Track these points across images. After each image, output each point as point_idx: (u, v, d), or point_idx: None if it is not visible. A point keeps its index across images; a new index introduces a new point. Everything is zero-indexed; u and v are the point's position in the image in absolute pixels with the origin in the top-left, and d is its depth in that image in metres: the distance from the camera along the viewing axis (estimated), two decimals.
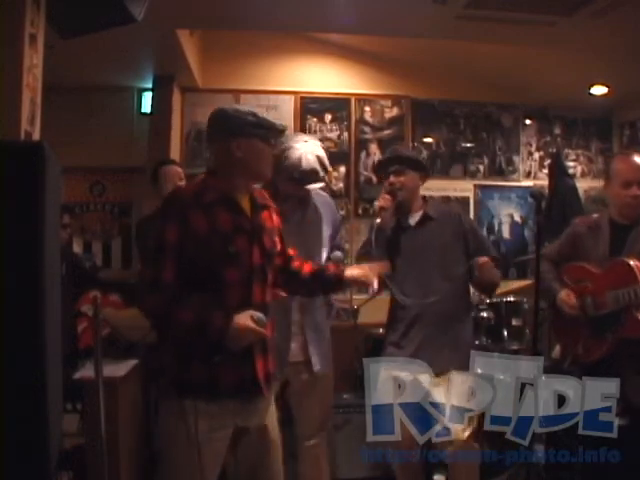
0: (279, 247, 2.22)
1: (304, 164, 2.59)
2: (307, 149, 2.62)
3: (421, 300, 2.73)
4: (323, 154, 2.69)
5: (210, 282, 1.99)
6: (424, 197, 2.97)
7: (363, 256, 2.88)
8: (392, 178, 2.84)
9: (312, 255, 2.60)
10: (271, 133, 2.10)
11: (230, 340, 1.92)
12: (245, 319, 1.93)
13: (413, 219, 2.88)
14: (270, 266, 2.13)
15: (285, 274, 2.30)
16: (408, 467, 2.75)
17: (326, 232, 2.81)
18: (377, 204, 2.86)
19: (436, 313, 2.72)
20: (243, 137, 2.04)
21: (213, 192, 2.04)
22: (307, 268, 2.33)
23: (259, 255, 2.07)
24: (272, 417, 2.16)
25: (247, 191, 2.13)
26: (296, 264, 2.32)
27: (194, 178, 2.22)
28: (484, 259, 2.67)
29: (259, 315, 1.95)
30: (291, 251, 2.33)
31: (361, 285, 2.34)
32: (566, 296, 2.77)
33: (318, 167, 2.62)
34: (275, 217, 2.24)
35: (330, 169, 2.81)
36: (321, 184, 2.69)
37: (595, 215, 2.95)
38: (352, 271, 2.32)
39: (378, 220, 2.80)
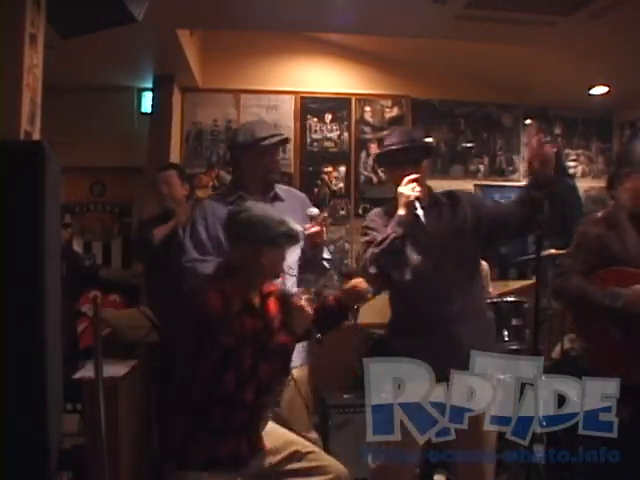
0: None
1: (262, 123, 2.75)
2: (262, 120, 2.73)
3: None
4: None
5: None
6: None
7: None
8: (409, 170, 2.43)
9: None
10: (294, 240, 2.23)
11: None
12: None
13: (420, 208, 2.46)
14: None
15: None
16: (396, 469, 2.46)
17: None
18: (411, 195, 2.37)
19: (453, 311, 2.41)
20: (271, 245, 2.15)
21: (237, 303, 2.13)
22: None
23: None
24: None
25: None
26: None
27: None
28: None
29: None
30: None
31: (358, 294, 2.40)
32: None
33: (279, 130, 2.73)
34: (280, 297, 2.33)
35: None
36: (284, 136, 2.78)
37: (599, 214, 2.77)
38: (344, 288, 2.42)
39: (402, 212, 2.38)
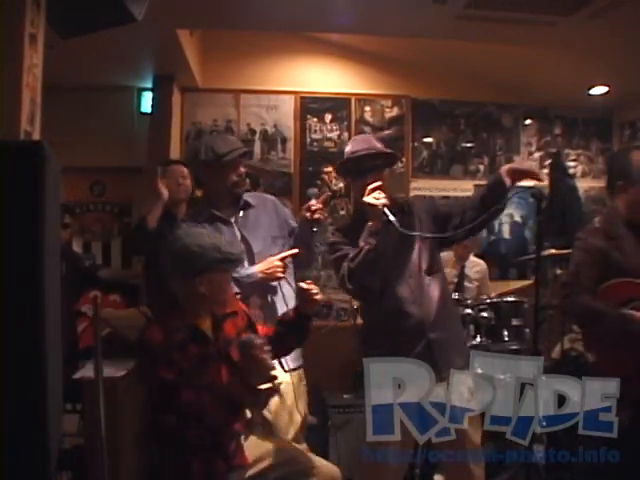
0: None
1: (221, 138, 2.72)
2: (220, 134, 2.71)
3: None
4: None
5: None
6: None
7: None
8: (371, 178, 2.40)
9: (268, 249, 2.63)
10: (233, 264, 2.17)
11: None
12: None
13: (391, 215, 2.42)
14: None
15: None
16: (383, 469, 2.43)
17: (272, 228, 2.73)
18: (377, 204, 2.32)
19: (429, 314, 2.44)
20: (208, 273, 2.09)
21: (181, 332, 2.10)
22: (270, 331, 2.35)
23: (227, 372, 2.15)
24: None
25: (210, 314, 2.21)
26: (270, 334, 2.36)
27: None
28: None
29: None
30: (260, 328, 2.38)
31: (308, 296, 2.34)
32: None
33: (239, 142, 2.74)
34: (242, 318, 2.29)
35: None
36: (244, 149, 2.76)
37: (596, 221, 2.76)
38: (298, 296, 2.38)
39: (372, 222, 2.35)
